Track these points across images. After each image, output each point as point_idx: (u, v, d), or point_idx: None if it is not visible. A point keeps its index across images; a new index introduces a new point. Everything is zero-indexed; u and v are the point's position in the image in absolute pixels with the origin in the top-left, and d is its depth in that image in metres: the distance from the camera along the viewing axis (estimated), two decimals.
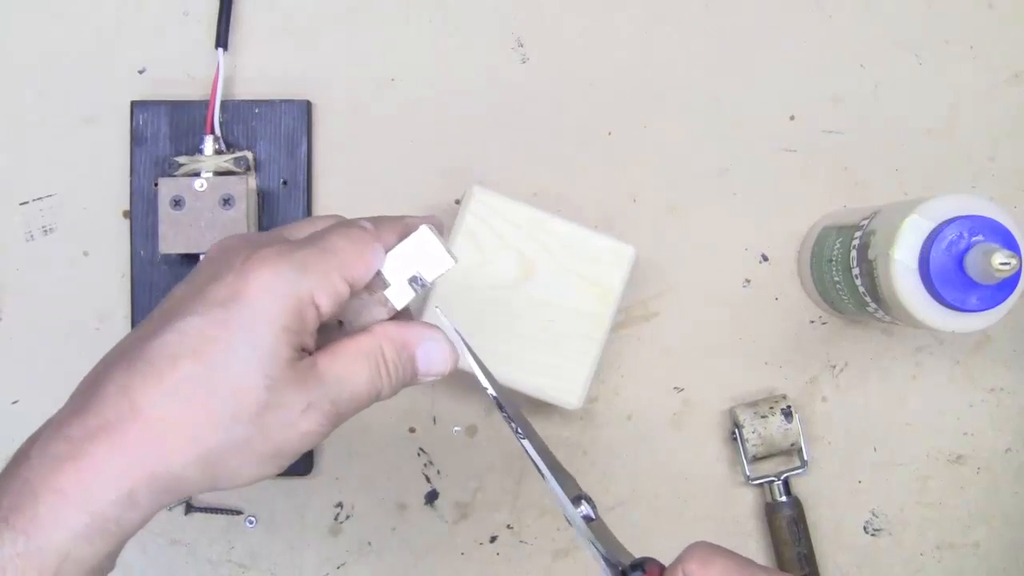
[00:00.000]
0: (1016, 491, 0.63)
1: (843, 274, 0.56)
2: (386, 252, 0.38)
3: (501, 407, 0.41)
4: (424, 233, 0.38)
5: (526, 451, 0.41)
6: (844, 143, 0.63)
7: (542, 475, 0.41)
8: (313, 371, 0.35)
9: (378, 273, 0.38)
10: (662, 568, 0.39)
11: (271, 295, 0.34)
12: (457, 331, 0.40)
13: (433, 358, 0.39)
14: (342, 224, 0.38)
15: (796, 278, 0.63)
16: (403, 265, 0.38)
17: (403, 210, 0.61)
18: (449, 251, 0.38)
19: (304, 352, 0.36)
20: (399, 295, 0.38)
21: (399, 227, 0.39)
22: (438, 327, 0.39)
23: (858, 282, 0.54)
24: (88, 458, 0.32)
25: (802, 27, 0.63)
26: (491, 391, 0.41)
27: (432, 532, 0.61)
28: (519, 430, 0.41)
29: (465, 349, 0.40)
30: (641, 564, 0.39)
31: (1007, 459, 0.63)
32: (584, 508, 0.41)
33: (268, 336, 0.34)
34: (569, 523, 0.41)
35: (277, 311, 0.34)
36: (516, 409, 0.41)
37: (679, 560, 0.38)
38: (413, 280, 0.38)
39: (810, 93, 0.63)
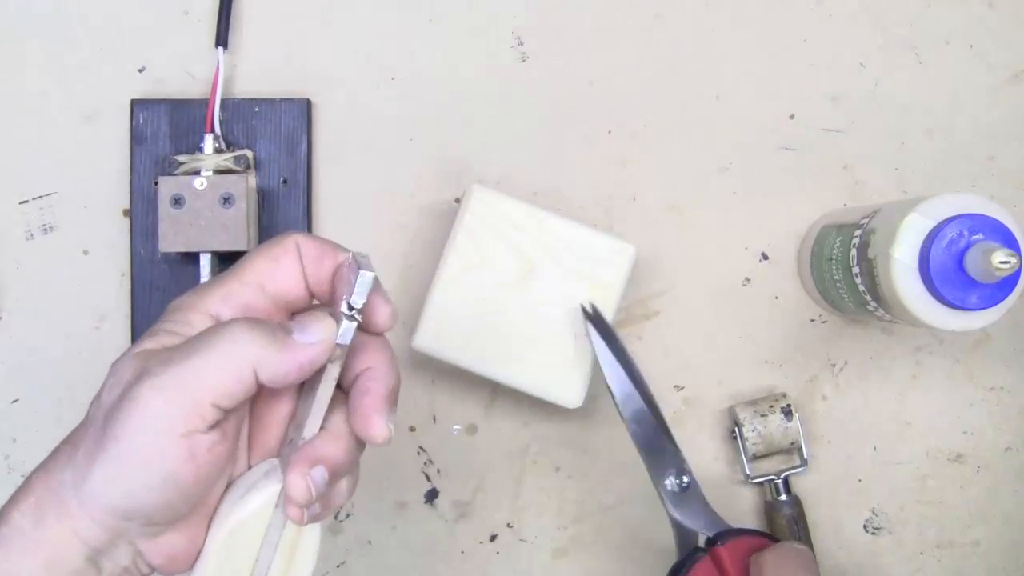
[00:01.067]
0: (1016, 490, 0.63)
1: (843, 273, 0.56)
2: (299, 247, 0.37)
3: (613, 396, 0.50)
4: (349, 262, 0.37)
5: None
6: (844, 142, 0.63)
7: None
8: (163, 351, 0.34)
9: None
10: (761, 541, 0.46)
11: (163, 314, 0.36)
12: (596, 328, 0.50)
13: (304, 323, 0.35)
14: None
15: (796, 277, 0.63)
16: (341, 302, 0.36)
17: (402, 210, 0.62)
18: (368, 268, 0.36)
19: None
20: (344, 330, 0.36)
21: (321, 239, 0.37)
22: (316, 313, 0.37)
23: (858, 281, 0.54)
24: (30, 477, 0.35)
25: (802, 27, 0.63)
26: (612, 386, 0.50)
27: (432, 531, 0.61)
28: (624, 415, 0.50)
29: (601, 342, 0.49)
30: (718, 537, 0.47)
31: (1007, 458, 0.63)
32: (671, 481, 0.49)
33: (138, 342, 0.35)
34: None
35: (159, 322, 0.36)
36: (636, 397, 0.50)
37: (767, 552, 0.45)
38: (349, 310, 0.36)
39: (810, 92, 0.63)
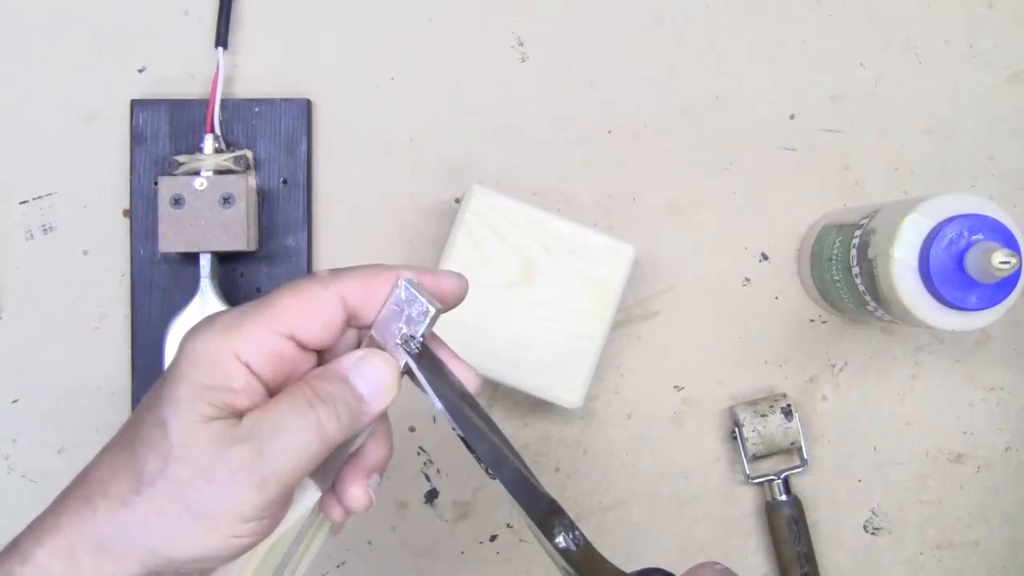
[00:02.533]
0: (1016, 490, 0.63)
1: (843, 273, 0.56)
2: (345, 300, 0.36)
3: (469, 447, 0.38)
4: (402, 288, 0.37)
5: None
6: (844, 142, 0.63)
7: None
8: (235, 429, 0.34)
9: (371, 339, 0.37)
10: None
11: (190, 357, 0.35)
12: (418, 373, 0.38)
13: (370, 378, 0.36)
14: (297, 279, 0.37)
15: (796, 277, 0.63)
16: (392, 326, 0.37)
17: (402, 209, 0.62)
18: (430, 300, 0.36)
19: (238, 412, 0.35)
20: (397, 357, 0.37)
21: (363, 274, 0.37)
22: (374, 349, 0.37)
23: (858, 281, 0.54)
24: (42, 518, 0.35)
25: (802, 27, 0.63)
26: (457, 431, 0.38)
27: (432, 531, 0.61)
28: (489, 470, 0.38)
29: (428, 387, 0.38)
30: None
31: (1007, 458, 0.63)
32: (561, 540, 0.39)
33: (184, 394, 0.34)
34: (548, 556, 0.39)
35: (192, 369, 0.34)
36: (488, 437, 0.38)
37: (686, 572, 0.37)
38: (406, 339, 0.37)
39: (810, 92, 0.63)
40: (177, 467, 0.33)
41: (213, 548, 0.34)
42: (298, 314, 0.35)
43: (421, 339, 0.36)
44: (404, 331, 0.36)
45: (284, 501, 0.35)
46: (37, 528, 0.34)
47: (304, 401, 0.35)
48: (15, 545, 0.34)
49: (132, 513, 0.33)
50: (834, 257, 0.57)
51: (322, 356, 0.37)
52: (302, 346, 0.36)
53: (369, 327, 0.37)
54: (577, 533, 0.39)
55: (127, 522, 0.33)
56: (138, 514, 0.33)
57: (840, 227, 0.57)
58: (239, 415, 0.34)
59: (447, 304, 0.38)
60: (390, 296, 0.37)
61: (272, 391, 0.35)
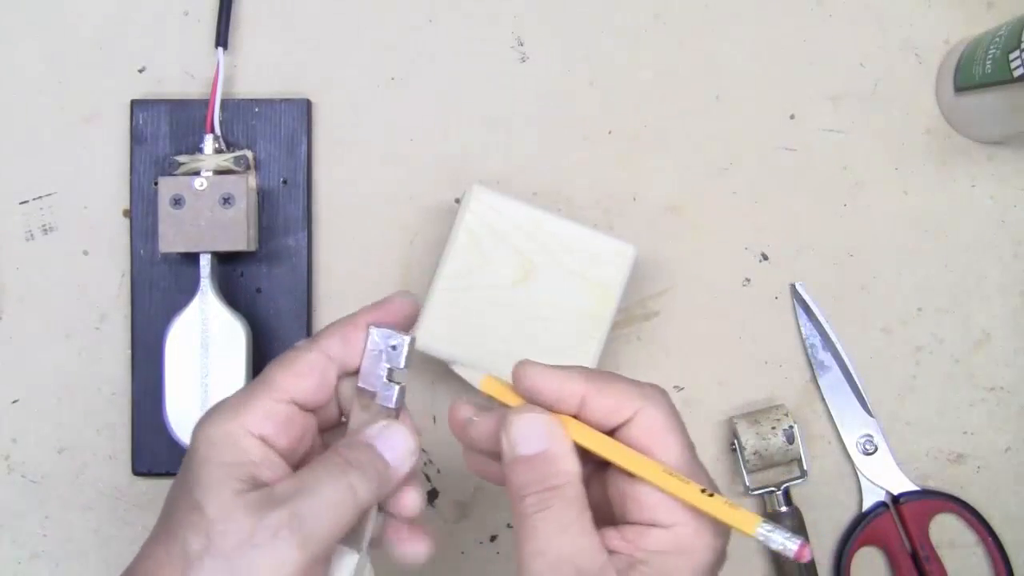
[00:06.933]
0: (1016, 491, 0.63)
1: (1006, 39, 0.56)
2: (329, 355, 0.40)
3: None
4: (373, 333, 0.41)
5: None
6: (844, 142, 0.63)
7: None
8: (269, 496, 0.36)
9: (361, 389, 0.41)
10: (943, 504, 0.51)
11: (206, 442, 0.38)
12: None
13: (393, 444, 0.40)
14: (282, 353, 0.41)
15: (795, 276, 0.62)
16: (377, 369, 0.41)
17: (402, 210, 0.62)
18: (400, 332, 0.41)
19: (263, 484, 0.37)
20: (388, 395, 0.41)
21: (337, 329, 0.41)
22: (393, 421, 0.41)
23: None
24: None
25: (802, 27, 0.63)
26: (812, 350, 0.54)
27: (432, 531, 0.61)
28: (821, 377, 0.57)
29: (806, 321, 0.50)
30: (902, 496, 0.55)
31: (1007, 458, 0.63)
32: (858, 442, 0.55)
33: (210, 476, 0.37)
34: None
35: (212, 452, 0.37)
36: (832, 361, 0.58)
37: None
38: (391, 374, 0.41)
39: (810, 92, 0.63)
40: (220, 540, 0.35)
41: None
42: (294, 380, 0.40)
43: (405, 368, 0.40)
44: (388, 366, 0.41)
45: (323, 561, 0.37)
46: None
47: (336, 467, 0.38)
48: None
49: None
50: (999, 36, 0.57)
51: (317, 415, 0.42)
52: (304, 408, 0.40)
53: (356, 376, 0.41)
54: (874, 442, 0.57)
55: None
56: None
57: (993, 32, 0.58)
58: (265, 485, 0.37)
59: (408, 323, 0.42)
60: (365, 345, 0.41)
61: (287, 459, 0.39)
